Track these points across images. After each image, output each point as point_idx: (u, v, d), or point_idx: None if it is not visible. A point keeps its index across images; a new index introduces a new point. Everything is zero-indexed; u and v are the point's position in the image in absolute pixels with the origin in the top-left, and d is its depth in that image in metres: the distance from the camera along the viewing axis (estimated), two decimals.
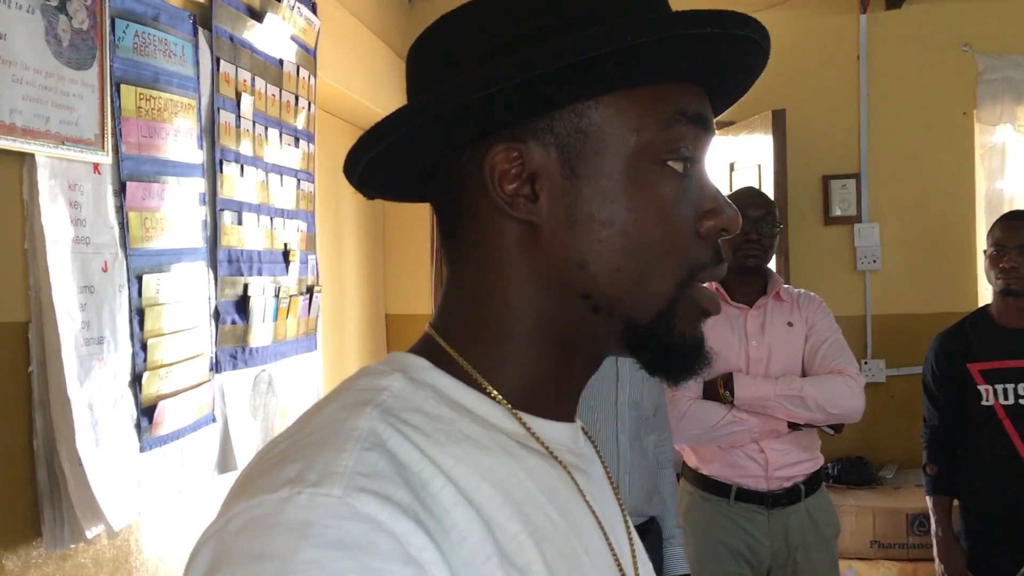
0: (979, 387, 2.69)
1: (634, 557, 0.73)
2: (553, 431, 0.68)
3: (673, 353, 0.67)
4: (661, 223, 0.65)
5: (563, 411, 0.71)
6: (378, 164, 0.69)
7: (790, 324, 2.55)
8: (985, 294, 3.71)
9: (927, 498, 2.83)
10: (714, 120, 0.69)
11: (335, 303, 3.44)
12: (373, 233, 4.04)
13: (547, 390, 0.69)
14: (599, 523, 0.68)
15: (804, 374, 2.51)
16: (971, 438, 2.73)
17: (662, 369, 0.69)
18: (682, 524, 2.41)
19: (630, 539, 0.75)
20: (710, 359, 0.69)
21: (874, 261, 3.98)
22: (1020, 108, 3.86)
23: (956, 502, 2.81)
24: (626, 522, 0.76)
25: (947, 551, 2.75)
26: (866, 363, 3.94)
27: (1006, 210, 3.19)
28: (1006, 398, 2.65)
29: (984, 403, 2.68)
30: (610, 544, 0.69)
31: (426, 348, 0.69)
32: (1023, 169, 3.88)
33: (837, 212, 4.01)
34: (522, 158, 0.64)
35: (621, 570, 0.69)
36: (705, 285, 0.69)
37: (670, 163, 0.65)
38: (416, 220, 4.21)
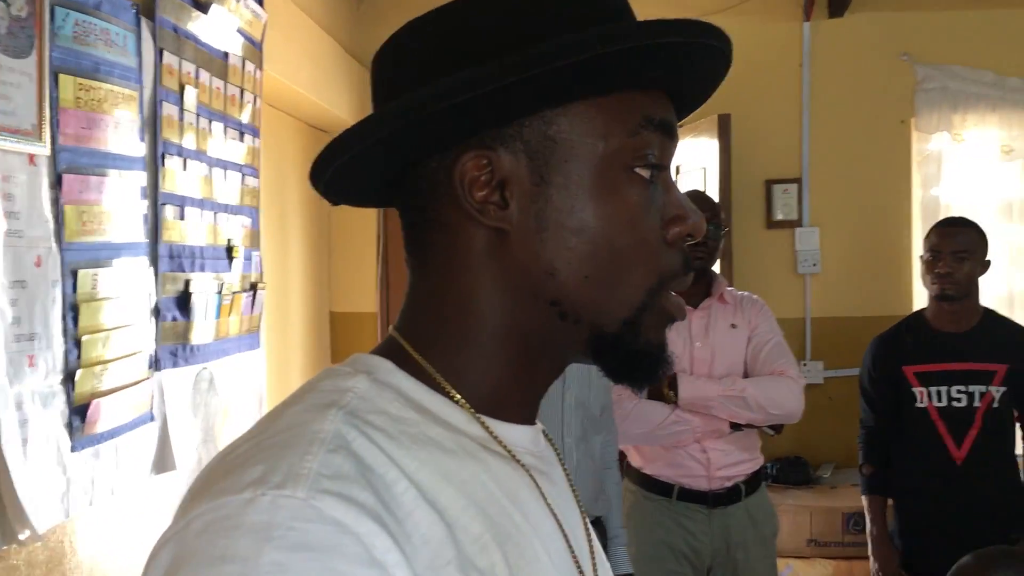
0: (914, 389, 2.76)
1: (593, 558, 0.74)
2: (515, 434, 0.69)
3: (638, 360, 0.68)
4: (630, 230, 0.65)
5: (525, 414, 0.71)
6: (345, 170, 0.68)
7: (733, 326, 2.59)
8: (920, 298, 3.82)
9: (862, 497, 2.90)
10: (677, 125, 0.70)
11: (279, 300, 3.40)
12: (318, 230, 4.00)
13: (510, 394, 0.69)
14: (559, 524, 0.69)
15: (746, 375, 2.55)
16: (905, 439, 2.80)
17: (626, 375, 0.70)
18: (625, 524, 2.43)
19: (589, 540, 0.75)
20: (671, 363, 0.70)
21: (814, 265, 4.06)
22: (957, 117, 3.97)
23: (891, 501, 2.87)
24: (585, 524, 0.77)
25: (881, 549, 2.81)
26: (805, 364, 4.01)
27: (941, 217, 3.28)
28: (939, 400, 2.73)
29: (918, 405, 2.75)
30: (570, 545, 0.69)
31: (390, 350, 0.69)
32: (958, 177, 3.98)
33: (779, 216, 4.08)
34: (492, 165, 0.65)
35: (580, 571, 0.69)
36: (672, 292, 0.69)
37: (637, 170, 0.65)
38: (362, 219, 4.17)
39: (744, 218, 4.04)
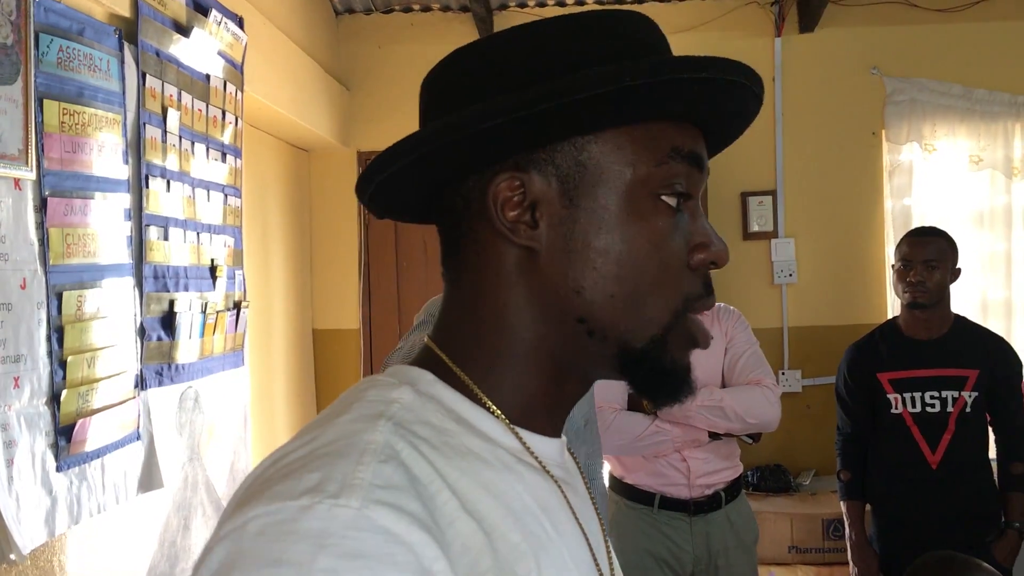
0: (888, 396, 2.81)
1: (611, 567, 0.77)
2: (545, 447, 0.72)
3: (664, 377, 0.71)
4: (654, 253, 0.68)
5: (553, 427, 0.74)
6: (388, 186, 0.72)
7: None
8: (893, 306, 3.88)
9: (841, 503, 2.94)
10: (708, 160, 0.73)
11: (262, 318, 3.42)
12: (300, 248, 4.03)
13: (541, 407, 0.72)
14: (585, 536, 0.72)
15: (724, 385, 2.59)
16: (882, 445, 2.85)
17: (651, 391, 0.73)
18: (609, 533, 2.46)
19: (608, 552, 0.79)
20: (694, 388, 0.73)
21: (790, 275, 4.12)
22: (926, 128, 4.05)
23: (869, 506, 2.92)
24: (604, 535, 0.80)
25: (860, 554, 2.86)
26: (783, 373, 4.07)
27: (912, 226, 3.34)
28: (913, 406, 2.78)
29: (893, 411, 2.80)
30: (594, 556, 0.72)
31: (429, 362, 0.72)
32: (929, 187, 4.06)
33: (755, 228, 4.14)
34: (524, 187, 0.68)
35: None
36: (697, 317, 0.72)
37: (664, 197, 0.69)
38: (343, 236, 4.20)
39: (721, 230, 4.08)
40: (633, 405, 2.55)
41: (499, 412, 0.69)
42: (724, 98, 0.70)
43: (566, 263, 0.68)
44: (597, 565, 0.72)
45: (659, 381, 0.71)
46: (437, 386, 0.69)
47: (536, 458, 0.70)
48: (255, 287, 3.22)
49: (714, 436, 2.53)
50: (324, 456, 0.60)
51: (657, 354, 0.70)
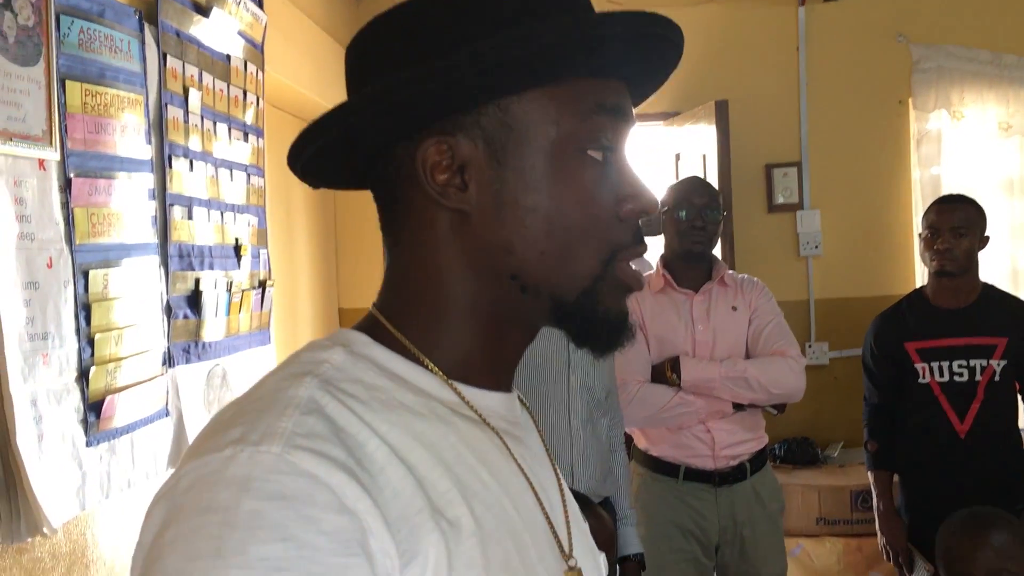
0: (916, 365, 2.79)
1: (567, 516, 0.78)
2: (487, 400, 0.74)
3: (598, 326, 0.73)
4: (581, 208, 0.70)
5: (498, 381, 0.76)
6: (320, 156, 0.74)
7: (734, 308, 2.62)
8: (921, 277, 3.84)
9: (869, 474, 2.93)
10: (633, 109, 0.75)
11: (288, 297, 3.45)
12: (325, 227, 4.05)
13: (482, 362, 0.74)
14: (530, 484, 0.73)
15: (748, 356, 2.59)
16: (909, 415, 2.83)
17: (588, 341, 0.74)
18: (634, 504, 2.48)
19: (564, 500, 0.80)
20: (633, 332, 0.75)
21: (816, 247, 4.09)
22: (954, 95, 3.98)
23: (897, 477, 2.91)
24: (560, 487, 0.81)
25: (888, 523, 2.85)
26: (810, 346, 4.04)
27: (941, 195, 3.30)
28: (941, 375, 2.76)
29: (921, 381, 2.78)
30: (541, 503, 0.74)
31: (368, 325, 0.75)
32: (957, 155, 4.00)
33: (780, 200, 4.11)
34: (452, 151, 0.70)
35: (553, 529, 0.74)
36: (631, 264, 0.74)
37: (590, 152, 0.70)
38: (369, 214, 4.14)
39: (745, 203, 4.07)
40: (657, 377, 2.55)
41: (435, 368, 0.71)
42: (643, 52, 0.71)
43: (497, 223, 0.70)
44: (545, 513, 0.73)
45: (595, 330, 0.73)
46: (371, 346, 0.71)
47: (475, 411, 0.72)
48: (280, 266, 3.25)
49: (738, 407, 2.53)
50: (249, 412, 0.63)
51: (590, 305, 0.72)
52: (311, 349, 0.71)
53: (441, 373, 0.72)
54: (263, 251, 2.79)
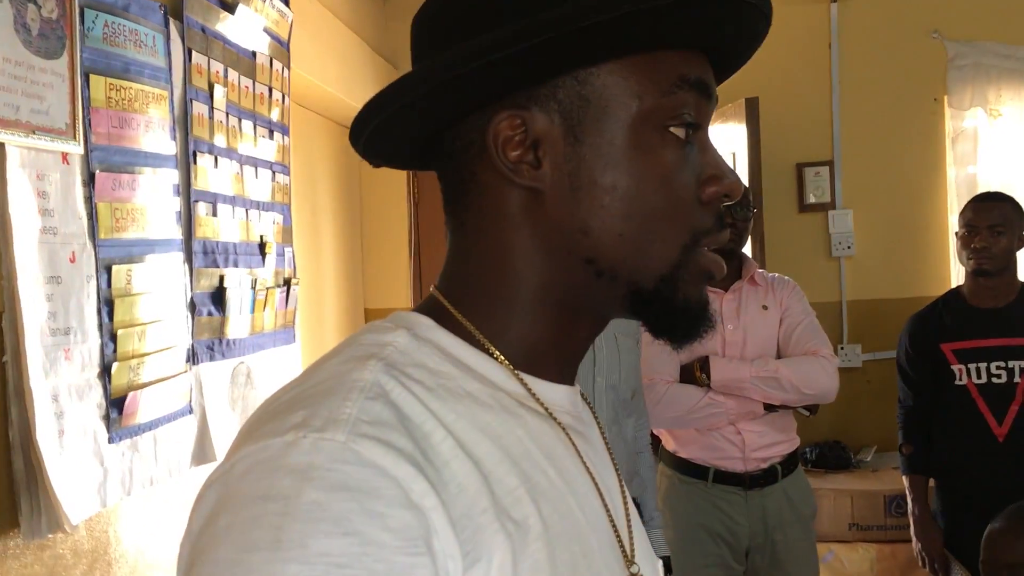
0: (952, 367, 2.72)
1: (628, 519, 0.74)
2: (553, 393, 0.70)
3: (677, 316, 0.69)
4: (663, 188, 0.66)
5: (564, 374, 0.72)
6: (383, 131, 0.70)
7: (765, 307, 2.57)
8: (957, 278, 3.76)
9: (903, 478, 2.87)
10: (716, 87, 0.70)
11: (313, 296, 3.44)
12: (351, 227, 4.04)
13: (549, 352, 0.70)
14: (595, 484, 0.69)
15: (779, 356, 2.54)
16: (945, 417, 2.77)
17: (666, 331, 0.70)
18: (661, 507, 2.43)
19: (625, 502, 0.76)
20: (713, 322, 0.70)
21: (848, 247, 4.02)
22: (991, 93, 3.90)
23: (932, 481, 2.84)
24: (621, 486, 0.77)
25: (924, 529, 2.78)
26: (842, 348, 3.97)
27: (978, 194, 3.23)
28: (978, 377, 2.69)
29: (957, 382, 2.71)
30: (606, 504, 0.70)
31: (430, 308, 0.70)
32: (995, 153, 3.92)
33: (811, 199, 4.05)
34: (525, 125, 0.65)
35: (616, 530, 0.70)
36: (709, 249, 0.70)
37: (672, 129, 0.66)
38: (395, 214, 4.21)
39: (776, 202, 4.00)
40: (686, 377, 2.50)
41: (502, 357, 0.67)
42: (733, 20, 0.66)
43: (572, 202, 0.66)
44: (609, 514, 0.69)
45: (673, 320, 0.69)
46: (436, 331, 0.67)
47: (541, 403, 0.68)
48: (306, 265, 3.24)
49: (770, 408, 2.48)
50: (311, 396, 0.60)
51: (668, 293, 0.67)
52: (372, 331, 0.67)
53: (507, 362, 0.67)
54: (288, 249, 2.78)
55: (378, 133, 0.70)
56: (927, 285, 3.88)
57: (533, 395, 0.68)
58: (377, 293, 4.22)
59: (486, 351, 0.67)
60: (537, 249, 0.67)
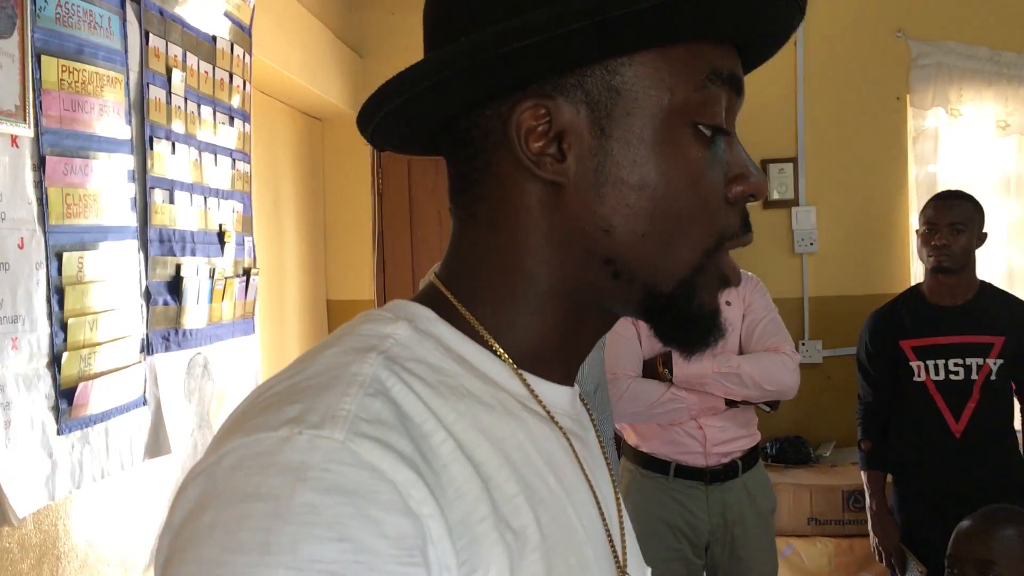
0: (911, 364, 2.75)
1: (622, 527, 0.73)
2: (554, 394, 0.67)
3: (691, 323, 0.66)
4: (692, 188, 0.63)
5: (566, 374, 0.69)
6: (396, 115, 0.66)
7: (728, 303, 2.57)
8: (917, 276, 3.80)
9: (862, 473, 2.89)
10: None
11: (274, 287, 3.39)
12: (314, 217, 3.99)
13: (554, 352, 0.67)
14: (593, 492, 0.67)
15: (741, 352, 2.54)
16: (904, 414, 2.79)
17: (678, 339, 0.68)
18: (623, 502, 2.43)
19: (619, 509, 0.74)
20: (724, 330, 0.68)
21: (811, 244, 4.05)
22: (952, 92, 3.95)
23: (890, 477, 2.87)
24: (616, 492, 0.75)
25: (881, 523, 2.81)
26: (803, 344, 4.00)
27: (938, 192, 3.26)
28: (937, 374, 2.72)
29: (916, 379, 2.74)
30: (602, 513, 0.68)
31: (432, 299, 0.67)
32: (955, 153, 3.96)
33: (775, 196, 4.07)
34: (550, 116, 0.62)
35: (611, 540, 0.68)
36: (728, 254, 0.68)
37: (701, 126, 0.63)
38: (357, 207, 4.17)
39: None
40: (648, 373, 2.50)
41: (505, 355, 0.64)
42: (773, 11, 0.64)
43: (595, 199, 0.62)
44: (604, 522, 0.67)
45: (686, 328, 0.66)
46: (438, 324, 0.64)
47: (543, 406, 0.65)
48: (267, 256, 3.19)
49: (731, 404, 2.48)
50: (307, 388, 0.56)
51: (685, 299, 0.64)
52: (371, 321, 0.64)
53: (511, 361, 0.65)
54: (248, 239, 2.73)
55: (392, 116, 0.66)
56: (888, 282, 3.92)
57: (535, 396, 0.65)
58: (339, 284, 4.18)
59: (488, 347, 0.65)
60: (553, 246, 0.64)
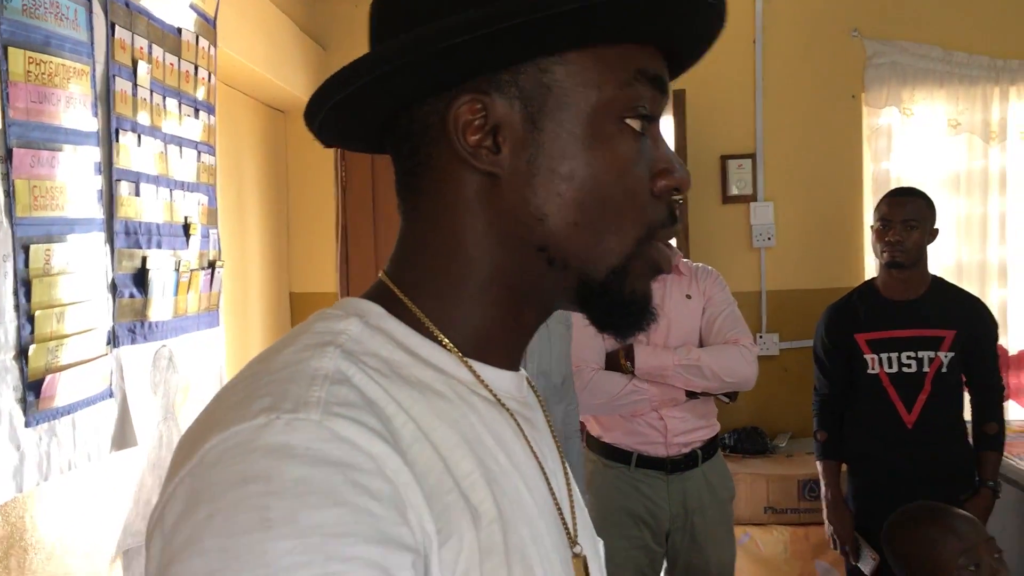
0: (865, 356, 2.82)
1: (571, 501, 0.76)
2: (500, 379, 0.70)
3: (623, 309, 0.70)
4: (619, 180, 0.67)
5: (510, 360, 0.73)
6: (340, 111, 0.69)
7: (688, 296, 2.63)
8: (871, 272, 3.89)
9: (817, 463, 2.96)
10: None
11: (238, 279, 3.39)
12: (277, 210, 3.98)
13: (497, 340, 0.71)
14: (541, 468, 0.71)
15: (701, 344, 2.59)
16: (858, 405, 2.87)
17: (611, 325, 0.71)
18: (586, 491, 2.47)
19: (568, 485, 0.77)
20: (655, 315, 0.71)
21: (769, 239, 4.12)
22: (905, 92, 4.04)
23: (844, 466, 2.94)
24: (565, 468, 0.79)
25: (836, 512, 2.88)
26: (761, 337, 4.08)
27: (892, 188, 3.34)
28: (890, 366, 2.79)
29: (870, 372, 2.82)
30: (551, 488, 0.71)
31: (380, 295, 0.70)
32: (908, 150, 4.06)
33: (734, 191, 4.13)
34: (486, 110, 0.66)
35: (560, 513, 0.71)
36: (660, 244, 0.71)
37: (628, 121, 0.67)
38: (321, 199, 4.16)
39: (700, 193, 4.08)
40: (611, 365, 2.54)
41: (451, 345, 0.68)
42: (693, 18, 0.68)
43: (529, 189, 0.66)
44: (554, 496, 0.71)
45: (618, 313, 0.70)
46: (387, 319, 0.68)
47: (490, 390, 0.69)
48: (231, 248, 3.18)
49: (691, 395, 2.54)
50: (273, 383, 0.59)
51: (617, 286, 0.68)
52: (323, 319, 0.67)
53: (456, 350, 0.68)
54: (213, 231, 2.73)
55: (335, 111, 0.69)
56: (843, 276, 4.01)
57: (482, 382, 0.68)
58: (302, 277, 4.18)
59: (435, 339, 0.68)
60: (491, 235, 0.68)
